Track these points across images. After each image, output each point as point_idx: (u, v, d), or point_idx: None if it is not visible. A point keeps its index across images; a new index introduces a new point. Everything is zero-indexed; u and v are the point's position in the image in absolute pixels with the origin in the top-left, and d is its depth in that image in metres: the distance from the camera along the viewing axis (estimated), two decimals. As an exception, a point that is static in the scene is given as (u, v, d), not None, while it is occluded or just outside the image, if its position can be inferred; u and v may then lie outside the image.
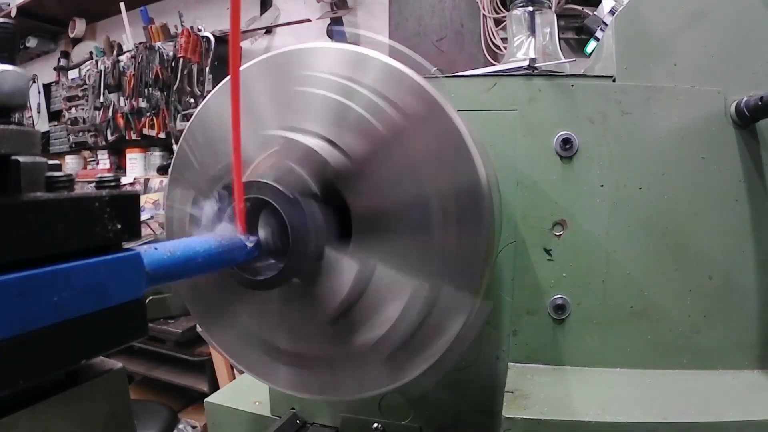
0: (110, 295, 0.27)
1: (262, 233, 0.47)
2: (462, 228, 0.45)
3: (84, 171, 3.33)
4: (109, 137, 3.04)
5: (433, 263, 0.46)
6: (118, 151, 3.21)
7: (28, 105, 3.63)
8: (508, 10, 1.08)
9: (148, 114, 2.81)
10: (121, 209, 0.28)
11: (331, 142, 0.46)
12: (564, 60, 0.99)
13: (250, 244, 0.41)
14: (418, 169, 0.45)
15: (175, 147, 0.55)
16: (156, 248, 0.32)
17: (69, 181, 0.28)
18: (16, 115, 0.26)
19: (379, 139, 0.45)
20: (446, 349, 0.47)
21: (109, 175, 0.30)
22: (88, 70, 3.10)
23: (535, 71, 0.74)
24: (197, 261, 0.35)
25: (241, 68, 0.52)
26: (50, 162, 0.28)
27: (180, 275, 0.34)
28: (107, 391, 0.30)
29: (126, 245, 0.30)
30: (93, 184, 0.29)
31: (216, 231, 0.43)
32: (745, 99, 0.65)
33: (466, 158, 0.45)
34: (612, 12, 1.62)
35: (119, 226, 0.28)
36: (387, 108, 0.45)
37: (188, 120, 0.55)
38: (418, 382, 0.49)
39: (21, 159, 0.26)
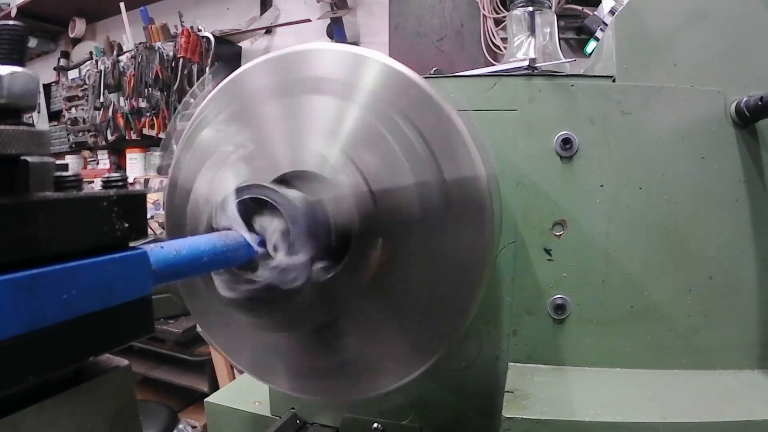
0: (118, 292, 0.27)
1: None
2: (463, 227, 0.46)
3: (84, 171, 3.32)
4: (109, 137, 3.04)
5: (391, 339, 0.50)
6: (118, 151, 3.21)
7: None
8: (508, 10, 1.08)
9: (148, 114, 2.81)
10: (129, 208, 0.28)
11: (370, 190, 0.46)
12: (564, 60, 0.99)
13: (254, 244, 0.42)
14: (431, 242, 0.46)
15: (175, 146, 0.55)
16: (162, 247, 0.33)
17: (77, 181, 0.28)
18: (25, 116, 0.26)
19: (404, 177, 0.46)
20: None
21: (116, 174, 0.30)
22: (88, 70, 3.10)
23: (535, 71, 0.74)
24: (202, 260, 0.35)
25: (240, 69, 0.52)
26: (58, 162, 0.29)
27: (186, 274, 0.35)
28: (114, 388, 0.30)
29: (132, 244, 0.30)
30: (100, 184, 0.29)
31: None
32: (745, 99, 0.65)
33: (467, 157, 0.45)
34: (612, 12, 1.62)
35: (126, 225, 0.28)
36: (416, 142, 0.45)
37: (188, 120, 0.55)
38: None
39: (29, 159, 0.26)
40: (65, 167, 0.29)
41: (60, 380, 0.28)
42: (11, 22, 0.25)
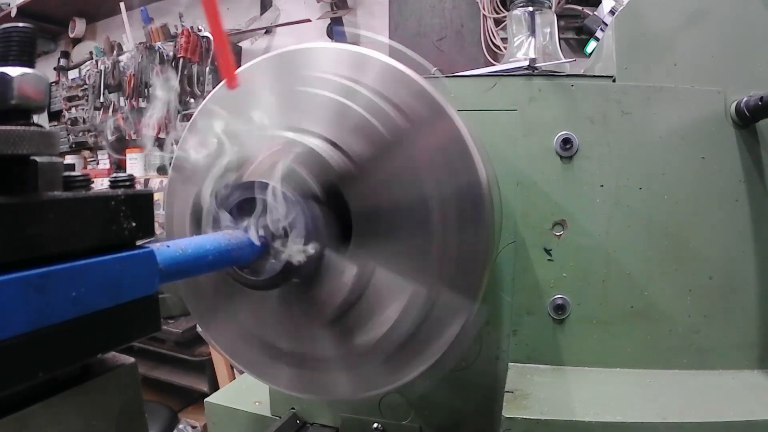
0: (125, 290, 0.28)
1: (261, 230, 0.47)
2: (462, 230, 0.45)
3: (84, 171, 3.32)
4: (109, 137, 3.04)
5: (432, 267, 0.46)
6: (118, 151, 3.21)
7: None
8: (508, 10, 1.08)
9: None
10: (136, 208, 0.29)
11: (333, 144, 0.46)
12: (564, 60, 0.99)
13: (258, 243, 0.42)
14: (419, 171, 0.45)
15: (175, 147, 0.55)
16: (168, 246, 0.33)
17: (86, 181, 0.29)
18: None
19: (382, 143, 0.45)
20: (444, 351, 0.47)
21: (123, 174, 0.30)
22: (88, 70, 3.09)
23: (535, 71, 0.75)
24: (207, 258, 0.36)
25: (243, 67, 0.52)
26: (66, 162, 0.28)
27: (191, 272, 0.35)
28: (119, 385, 0.30)
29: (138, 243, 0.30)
30: (107, 183, 0.30)
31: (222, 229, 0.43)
32: (745, 99, 0.65)
33: (467, 160, 0.45)
34: (612, 12, 1.62)
35: (134, 224, 0.29)
36: (389, 110, 0.45)
37: (188, 120, 0.55)
38: (416, 383, 0.49)
39: (39, 159, 0.26)
40: (72, 167, 0.29)
41: (67, 378, 0.28)
42: (21, 24, 0.25)
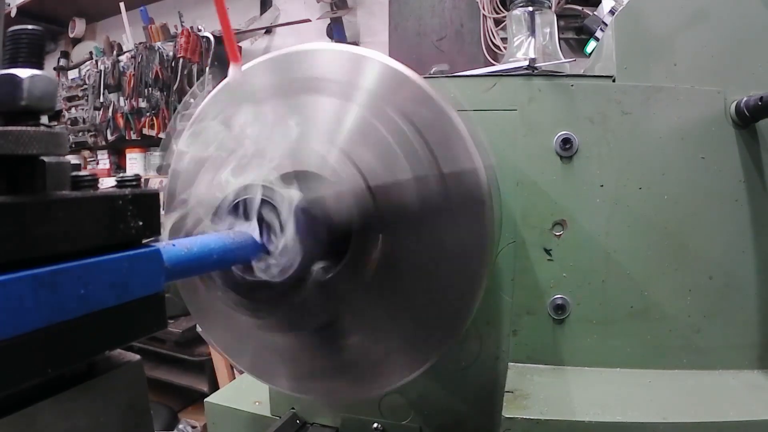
0: (132, 288, 0.28)
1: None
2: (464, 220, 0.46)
3: (83, 171, 3.32)
4: (109, 137, 3.04)
5: (394, 334, 0.50)
6: (118, 151, 3.21)
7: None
8: (508, 10, 1.08)
9: (148, 114, 2.81)
10: (143, 207, 0.29)
11: (368, 186, 0.46)
12: (564, 60, 0.99)
13: (260, 241, 0.42)
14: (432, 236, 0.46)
15: (175, 147, 0.55)
16: (174, 245, 0.33)
17: (94, 180, 0.29)
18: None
19: (413, 210, 0.46)
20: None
21: (130, 174, 0.31)
22: (88, 70, 3.10)
23: (535, 71, 0.74)
24: (212, 257, 0.36)
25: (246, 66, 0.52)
26: (72, 162, 0.29)
27: (196, 271, 0.35)
28: (126, 382, 0.31)
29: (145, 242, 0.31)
30: (114, 183, 0.30)
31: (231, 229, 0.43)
32: (745, 99, 0.65)
33: (467, 158, 0.45)
34: (612, 12, 1.62)
35: (141, 223, 0.29)
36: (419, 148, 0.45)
37: (188, 120, 0.55)
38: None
39: (47, 159, 0.26)
40: (78, 167, 0.29)
41: (74, 374, 0.28)
42: (30, 27, 0.26)
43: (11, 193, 0.23)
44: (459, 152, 0.46)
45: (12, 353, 0.22)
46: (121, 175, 0.31)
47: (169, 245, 0.33)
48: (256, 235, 0.41)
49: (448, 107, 0.46)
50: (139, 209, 0.29)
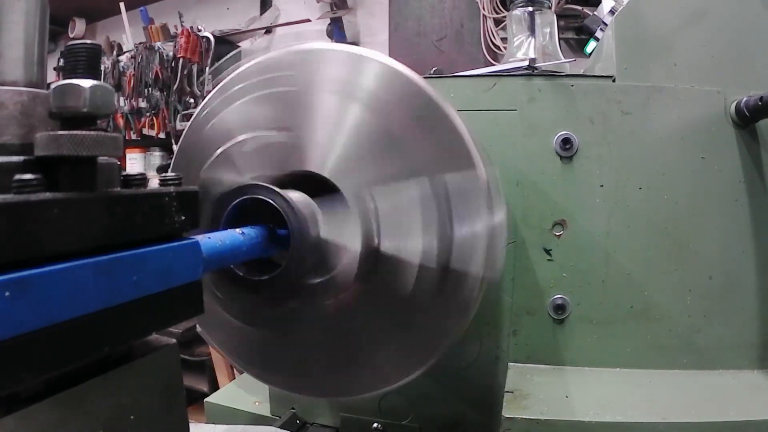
0: (176, 276, 0.31)
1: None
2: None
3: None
4: (109, 137, 3.04)
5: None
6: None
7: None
8: (508, 10, 1.08)
9: (148, 114, 2.80)
10: (185, 203, 0.32)
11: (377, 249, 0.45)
12: (564, 60, 0.99)
13: (281, 233, 0.43)
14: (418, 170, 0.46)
15: (175, 147, 0.55)
16: (210, 237, 0.37)
17: (143, 179, 0.32)
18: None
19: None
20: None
21: (171, 174, 0.33)
22: (88, 70, 3.09)
23: (535, 71, 0.74)
24: (242, 249, 0.40)
25: (242, 68, 0.52)
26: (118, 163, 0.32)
27: (228, 261, 0.38)
28: (163, 364, 0.33)
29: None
30: (157, 182, 0.33)
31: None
32: (745, 99, 0.65)
33: (467, 158, 0.45)
34: (612, 12, 1.62)
35: (183, 218, 0.32)
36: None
37: (188, 120, 0.55)
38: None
39: (100, 160, 0.29)
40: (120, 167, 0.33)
41: (117, 357, 0.31)
42: (89, 42, 0.29)
43: (71, 190, 0.26)
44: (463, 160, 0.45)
45: (75, 332, 0.25)
46: (163, 174, 0.33)
47: (205, 238, 0.36)
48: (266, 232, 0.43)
49: (453, 114, 0.46)
50: (182, 205, 0.32)
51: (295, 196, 0.43)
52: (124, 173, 0.32)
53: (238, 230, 0.41)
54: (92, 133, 0.27)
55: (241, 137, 0.49)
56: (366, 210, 0.45)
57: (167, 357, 0.33)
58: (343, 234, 0.45)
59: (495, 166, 0.51)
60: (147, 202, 0.30)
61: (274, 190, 0.41)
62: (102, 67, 3.46)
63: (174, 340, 0.35)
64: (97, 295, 0.26)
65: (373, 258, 0.45)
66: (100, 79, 0.28)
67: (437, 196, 0.45)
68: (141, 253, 0.29)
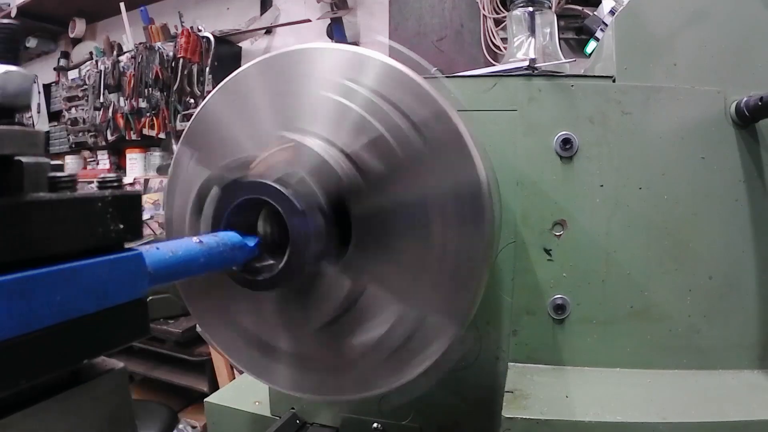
0: (112, 294, 0.27)
1: (260, 227, 0.48)
2: (461, 235, 0.45)
3: (84, 171, 3.33)
4: (109, 137, 3.04)
5: (424, 289, 0.47)
6: (118, 151, 3.21)
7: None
8: (508, 10, 1.08)
9: (148, 114, 2.81)
10: (124, 209, 0.28)
11: (345, 154, 0.45)
12: (564, 60, 0.99)
13: (251, 244, 0.41)
14: (422, 184, 0.45)
15: (175, 147, 0.55)
16: (158, 248, 0.32)
17: (71, 182, 0.28)
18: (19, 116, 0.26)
19: (396, 160, 0.45)
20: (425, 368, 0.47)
21: (111, 175, 0.30)
22: (88, 71, 3.10)
23: (535, 71, 0.74)
24: (199, 261, 0.35)
25: (241, 68, 0.52)
26: (52, 162, 0.28)
27: (182, 275, 0.34)
28: (109, 390, 0.30)
29: (128, 245, 0.30)
30: (95, 184, 0.29)
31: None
32: (745, 99, 0.65)
33: (466, 158, 0.45)
34: (612, 12, 1.62)
35: (121, 226, 0.28)
36: (407, 129, 0.45)
37: (188, 120, 0.55)
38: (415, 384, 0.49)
39: (24, 159, 0.26)
40: (60, 168, 0.28)
41: (54, 383, 0.27)
42: (5, 20, 0.25)
43: (-16, 196, 0.22)
44: (465, 165, 0.45)
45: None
46: (102, 175, 0.30)
47: (152, 249, 0.32)
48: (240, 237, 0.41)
49: (455, 116, 0.46)
50: (120, 211, 0.28)
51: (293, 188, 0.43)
52: (51, 174, 0.28)
53: (195, 238, 0.37)
54: (3, 128, 0.24)
55: (239, 138, 0.49)
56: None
57: (113, 383, 0.30)
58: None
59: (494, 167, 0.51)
60: (74, 209, 0.26)
61: (273, 188, 0.41)
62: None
63: (122, 364, 0.31)
64: (8, 320, 0.22)
65: (348, 163, 0.45)
66: (18, 65, 0.24)
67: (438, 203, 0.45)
68: (64, 270, 0.24)
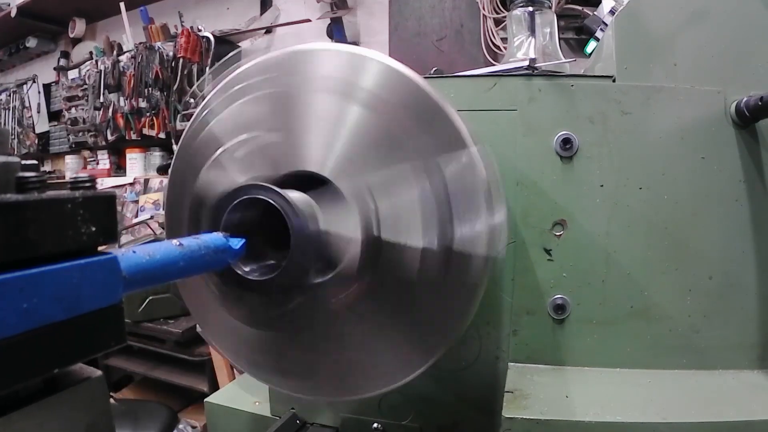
0: (85, 300, 0.26)
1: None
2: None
3: (83, 171, 3.33)
4: (109, 137, 3.04)
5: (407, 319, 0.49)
6: (118, 151, 3.21)
7: (28, 105, 3.63)
8: (508, 10, 1.08)
9: (148, 114, 2.81)
10: (96, 211, 0.27)
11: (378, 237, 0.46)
12: (564, 60, 0.99)
13: (236, 246, 0.41)
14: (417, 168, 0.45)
15: (175, 147, 0.55)
16: (134, 251, 0.31)
17: (40, 182, 0.27)
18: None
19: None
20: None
21: (83, 175, 0.28)
22: (88, 70, 3.09)
23: (535, 71, 0.74)
24: (178, 265, 0.34)
25: (240, 69, 0.52)
26: (26, 162, 0.27)
27: (160, 279, 0.33)
28: (86, 399, 0.29)
29: (109, 248, 0.29)
30: (68, 186, 0.28)
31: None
32: (745, 99, 0.65)
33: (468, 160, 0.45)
34: (612, 12, 1.62)
35: (93, 229, 0.27)
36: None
37: (188, 120, 0.55)
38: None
39: None
40: (34, 167, 0.27)
41: (29, 392, 0.26)
42: None
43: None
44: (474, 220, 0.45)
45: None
46: (74, 176, 0.29)
47: (128, 252, 0.30)
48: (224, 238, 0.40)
49: (450, 109, 0.46)
50: (92, 214, 0.26)
51: (295, 195, 0.43)
52: (18, 174, 0.26)
53: (175, 241, 0.35)
54: None
55: (239, 138, 0.49)
56: (366, 208, 0.45)
57: (91, 391, 0.29)
58: (343, 225, 0.45)
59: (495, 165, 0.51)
60: (41, 211, 0.24)
61: (273, 189, 0.41)
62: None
63: (100, 372, 0.30)
64: None
65: (375, 248, 0.45)
66: None
67: (436, 192, 0.45)
68: (31, 275, 0.23)
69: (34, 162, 0.27)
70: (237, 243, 0.41)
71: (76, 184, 0.27)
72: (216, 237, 0.39)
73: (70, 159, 3.42)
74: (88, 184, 0.28)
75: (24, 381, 0.24)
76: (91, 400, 0.29)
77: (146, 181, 2.95)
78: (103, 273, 0.27)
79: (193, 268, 0.36)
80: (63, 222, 0.25)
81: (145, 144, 3.02)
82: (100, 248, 0.28)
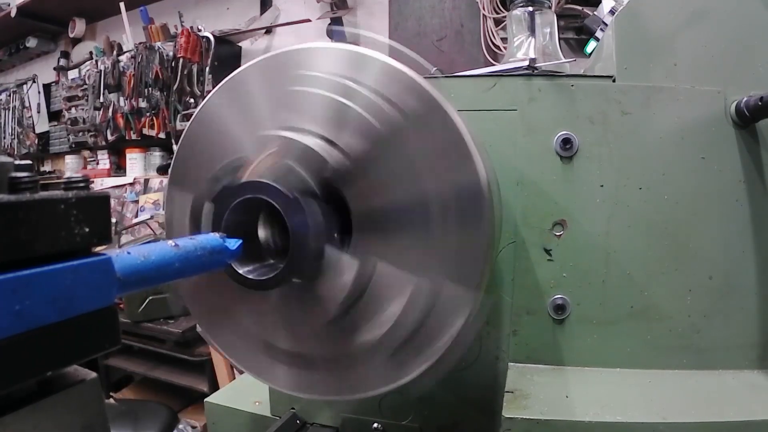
0: (78, 302, 0.26)
1: (262, 233, 0.47)
2: (462, 224, 0.45)
3: (83, 171, 3.33)
4: (109, 137, 3.04)
5: (433, 260, 0.46)
6: (118, 151, 3.21)
7: (28, 105, 3.64)
8: (508, 10, 1.08)
9: (148, 114, 2.81)
10: (90, 212, 0.27)
11: (329, 141, 0.46)
12: (564, 60, 0.99)
13: (232, 246, 0.40)
14: (417, 167, 0.45)
15: (175, 147, 0.55)
16: (129, 252, 0.31)
17: (33, 182, 0.26)
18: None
19: (378, 138, 0.45)
20: (448, 347, 0.47)
21: (77, 175, 0.28)
22: (88, 70, 3.10)
23: (535, 71, 0.74)
24: (174, 266, 0.34)
25: (238, 70, 0.52)
26: (20, 162, 0.27)
27: (156, 281, 0.33)
28: (81, 401, 0.28)
29: (103, 249, 0.29)
30: (62, 186, 0.28)
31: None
32: (745, 99, 0.65)
33: (466, 156, 0.45)
34: (612, 12, 1.62)
35: (87, 230, 0.26)
36: (386, 107, 0.45)
37: (188, 120, 0.55)
38: (419, 382, 0.49)
39: None
40: (29, 167, 0.27)
41: (23, 394, 0.26)
42: None
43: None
44: (461, 156, 0.45)
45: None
46: (68, 176, 0.28)
47: (123, 253, 0.30)
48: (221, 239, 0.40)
49: (448, 107, 0.46)
50: (86, 214, 0.26)
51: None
52: (11, 175, 0.26)
53: (170, 242, 0.35)
54: None
55: (243, 138, 0.49)
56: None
57: (85, 394, 0.28)
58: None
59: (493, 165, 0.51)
60: (33, 212, 0.24)
61: (261, 183, 0.41)
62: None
63: (95, 374, 0.29)
64: None
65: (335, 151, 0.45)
66: None
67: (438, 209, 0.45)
68: (23, 276, 0.23)
69: (28, 162, 0.27)
70: (234, 244, 0.40)
71: (69, 185, 0.27)
72: (212, 238, 0.39)
73: (70, 159, 3.42)
74: (81, 185, 0.28)
75: (17, 384, 0.24)
76: (86, 402, 0.29)
77: (146, 181, 2.95)
78: (97, 274, 0.27)
79: (189, 270, 0.36)
80: (56, 222, 0.25)
81: (145, 144, 3.03)
82: (95, 249, 0.28)
